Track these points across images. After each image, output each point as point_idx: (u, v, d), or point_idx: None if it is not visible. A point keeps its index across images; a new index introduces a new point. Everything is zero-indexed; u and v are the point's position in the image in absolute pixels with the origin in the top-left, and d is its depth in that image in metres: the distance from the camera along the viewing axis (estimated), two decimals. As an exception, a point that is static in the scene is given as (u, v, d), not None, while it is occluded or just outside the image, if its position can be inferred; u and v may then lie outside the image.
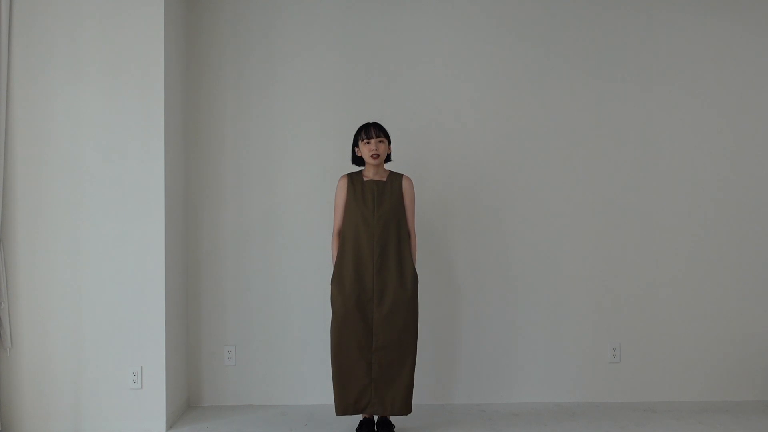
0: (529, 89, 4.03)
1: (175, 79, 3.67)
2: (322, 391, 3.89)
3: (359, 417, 3.48)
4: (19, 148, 3.41)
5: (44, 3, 3.43)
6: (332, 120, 3.97)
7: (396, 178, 3.41)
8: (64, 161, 3.44)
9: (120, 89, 3.45)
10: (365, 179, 3.38)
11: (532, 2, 4.05)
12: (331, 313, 3.35)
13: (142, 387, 3.45)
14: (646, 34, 4.07)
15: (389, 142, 3.40)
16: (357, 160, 3.43)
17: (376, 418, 3.43)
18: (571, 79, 4.04)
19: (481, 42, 4.03)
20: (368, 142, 3.33)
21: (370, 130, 3.34)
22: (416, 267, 3.52)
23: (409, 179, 3.43)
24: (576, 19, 4.05)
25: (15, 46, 3.41)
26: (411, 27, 4.02)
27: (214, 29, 3.97)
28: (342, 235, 3.37)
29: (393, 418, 3.47)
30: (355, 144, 3.40)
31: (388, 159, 3.43)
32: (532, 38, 4.04)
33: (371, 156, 3.32)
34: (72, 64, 3.44)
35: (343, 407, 3.28)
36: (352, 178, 3.40)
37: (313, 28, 3.99)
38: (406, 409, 3.30)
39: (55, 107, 3.43)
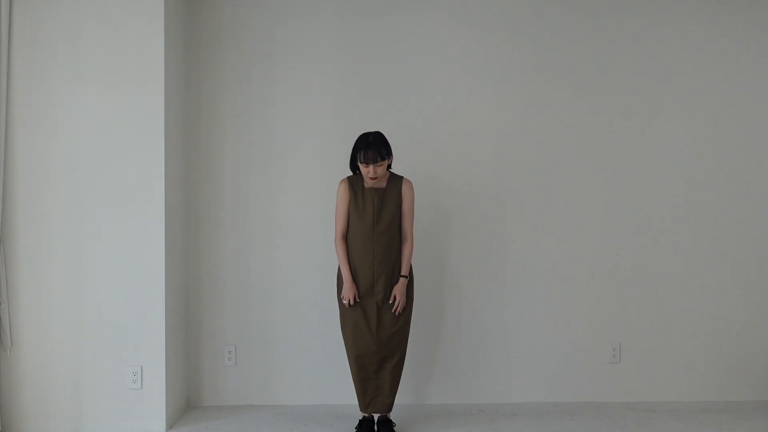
0: (529, 93, 4.02)
1: (175, 81, 3.67)
2: (322, 391, 3.90)
3: (360, 416, 3.49)
4: (20, 149, 3.41)
5: (45, 7, 3.43)
6: (332, 123, 3.96)
7: (396, 182, 3.35)
8: (64, 162, 3.44)
9: (121, 92, 3.45)
10: (366, 186, 3.33)
11: (534, 7, 4.04)
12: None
13: (142, 387, 3.45)
14: (648, 37, 4.05)
15: (390, 154, 3.28)
16: (356, 168, 3.33)
17: (375, 417, 3.43)
18: (570, 82, 4.03)
19: (482, 46, 4.01)
20: (366, 166, 3.22)
21: (368, 155, 3.20)
22: (417, 267, 3.53)
23: (409, 182, 3.38)
24: (578, 23, 4.04)
25: (15, 48, 3.40)
26: (410, 31, 4.00)
27: (215, 33, 3.96)
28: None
29: (392, 418, 3.48)
30: (354, 157, 3.29)
31: (388, 166, 3.35)
32: (533, 43, 4.03)
33: (369, 178, 3.25)
34: (73, 67, 3.44)
35: (363, 405, 3.34)
36: (353, 183, 3.35)
37: (313, 32, 3.98)
38: (391, 407, 3.36)
39: (55, 109, 3.43)
